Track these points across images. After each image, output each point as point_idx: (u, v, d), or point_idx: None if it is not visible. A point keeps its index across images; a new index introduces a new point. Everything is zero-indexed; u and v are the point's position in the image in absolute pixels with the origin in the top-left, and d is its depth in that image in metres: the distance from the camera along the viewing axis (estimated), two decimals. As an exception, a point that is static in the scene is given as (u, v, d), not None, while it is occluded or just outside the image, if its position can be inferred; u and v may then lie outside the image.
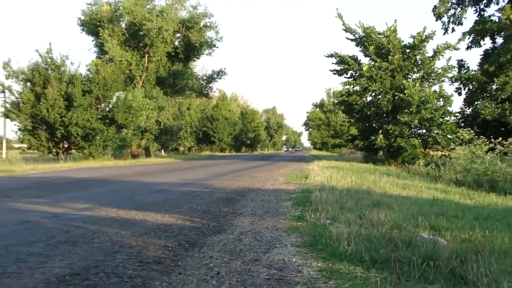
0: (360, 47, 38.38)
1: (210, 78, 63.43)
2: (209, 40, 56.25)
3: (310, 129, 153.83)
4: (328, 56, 39.12)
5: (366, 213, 8.84)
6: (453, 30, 43.53)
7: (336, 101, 47.00)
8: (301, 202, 10.69)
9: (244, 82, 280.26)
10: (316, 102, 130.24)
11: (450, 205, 11.25)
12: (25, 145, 41.62)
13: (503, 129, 36.45)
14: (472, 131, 30.97)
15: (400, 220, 8.30)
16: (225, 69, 62.57)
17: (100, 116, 40.36)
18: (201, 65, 63.00)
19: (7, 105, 39.93)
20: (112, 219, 8.70)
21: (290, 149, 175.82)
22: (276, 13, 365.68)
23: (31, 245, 6.74)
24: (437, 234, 7.26)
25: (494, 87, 38.20)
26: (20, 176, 22.55)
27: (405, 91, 34.25)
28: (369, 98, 38.12)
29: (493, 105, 36.78)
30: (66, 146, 40.00)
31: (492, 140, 25.39)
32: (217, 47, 57.15)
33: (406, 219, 8.44)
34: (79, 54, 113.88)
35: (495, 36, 41.45)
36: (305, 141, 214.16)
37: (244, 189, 14.60)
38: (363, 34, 37.49)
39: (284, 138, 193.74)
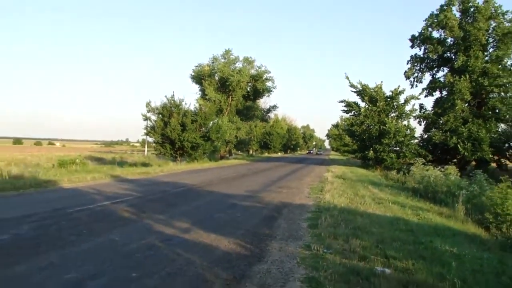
0: (359, 96, 39.72)
1: (268, 110, 64.34)
2: (268, 88, 56.85)
3: (330, 139, 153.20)
4: (340, 102, 40.53)
5: (349, 239, 8.20)
6: (416, 86, 45.43)
7: (345, 124, 47.45)
8: (313, 225, 9.91)
9: (290, 106, 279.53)
10: (334, 123, 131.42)
11: (404, 225, 10.58)
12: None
13: (445, 147, 38.10)
14: (425, 150, 34.13)
15: (371, 247, 7.78)
16: (277, 104, 64.29)
17: (201, 135, 41.02)
18: (263, 101, 63.23)
19: (148, 128, 41.25)
20: (196, 243, 8.08)
21: (312, 151, 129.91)
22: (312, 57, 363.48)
23: (149, 277, 6.11)
24: (388, 262, 6.78)
25: (440, 122, 39.79)
26: (152, 180, 21.98)
27: (386, 125, 36.39)
28: (364, 128, 38.71)
29: (440, 133, 38.77)
30: (180, 153, 40.92)
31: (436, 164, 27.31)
32: (273, 92, 57.88)
33: (373, 246, 7.85)
34: (189, 96, 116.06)
35: (442, 91, 42.96)
36: (327, 145, 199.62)
37: (281, 205, 13.74)
38: (361, 88, 38.66)
39: (314, 143, 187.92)
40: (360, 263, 6.73)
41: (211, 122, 44.12)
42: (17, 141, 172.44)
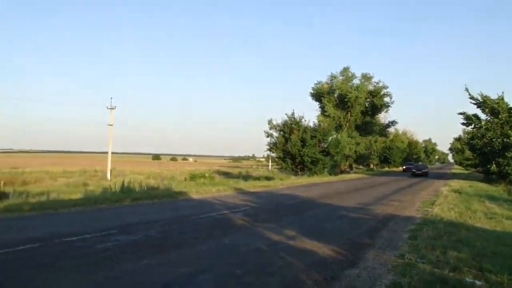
0: (480, 108, 37.02)
1: (387, 125, 62.78)
2: (385, 103, 55.69)
3: (453, 152, 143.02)
4: (459, 114, 38.09)
5: (447, 251, 8.02)
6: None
7: (467, 137, 45.02)
8: (413, 236, 9.79)
9: (411, 120, 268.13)
10: (456, 136, 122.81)
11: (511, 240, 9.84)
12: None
13: None
14: None
15: (467, 259, 7.51)
16: (396, 119, 62.54)
17: (321, 150, 41.45)
18: (383, 116, 61.97)
19: (270, 144, 42.66)
20: (298, 249, 8.52)
21: (411, 167, 60.55)
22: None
23: (251, 274, 6.66)
24: (481, 275, 6.54)
25: None
26: (271, 192, 22.80)
27: (511, 137, 33.12)
28: (486, 141, 35.99)
29: None
30: (301, 167, 41.63)
31: None
32: (391, 107, 56.59)
33: (469, 259, 7.57)
34: (308, 113, 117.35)
35: None
36: (450, 158, 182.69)
37: (388, 217, 13.72)
38: (481, 100, 36.02)
39: (436, 157, 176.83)
40: (450, 273, 6.66)
41: (330, 138, 44.38)
42: (156, 157, 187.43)
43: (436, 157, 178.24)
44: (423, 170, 51.54)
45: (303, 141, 40.11)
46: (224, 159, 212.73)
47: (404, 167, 67.49)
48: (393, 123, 62.36)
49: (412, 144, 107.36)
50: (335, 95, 54.80)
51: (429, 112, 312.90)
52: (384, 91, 55.26)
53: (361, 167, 73.83)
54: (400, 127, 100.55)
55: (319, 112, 55.82)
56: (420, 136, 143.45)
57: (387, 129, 64.63)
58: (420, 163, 70.11)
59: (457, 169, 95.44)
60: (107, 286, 5.84)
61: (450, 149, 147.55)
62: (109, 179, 37.90)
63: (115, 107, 42.04)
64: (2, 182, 28.96)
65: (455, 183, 32.10)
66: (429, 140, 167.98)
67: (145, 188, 20.42)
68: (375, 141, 65.97)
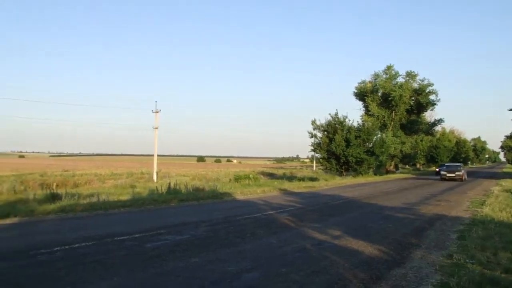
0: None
1: (433, 124, 61.09)
2: (431, 101, 54.20)
3: (504, 151, 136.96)
4: (510, 110, 36.55)
5: (498, 252, 7.78)
6: None
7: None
8: (462, 236, 9.56)
9: (459, 119, 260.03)
10: (507, 134, 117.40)
11: None
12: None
13: None
14: None
15: None
16: (442, 118, 60.56)
17: (365, 150, 40.88)
18: (429, 115, 60.47)
19: (314, 145, 42.47)
20: (343, 248, 8.53)
21: (445, 169, 39.60)
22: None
23: (296, 273, 6.64)
24: None
25: None
26: (316, 193, 22.85)
27: None
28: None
29: None
30: (346, 167, 41.23)
31: None
32: (437, 105, 55.02)
33: None
34: (352, 113, 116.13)
35: None
36: (502, 157, 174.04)
37: (435, 217, 13.40)
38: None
39: (486, 156, 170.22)
40: (502, 274, 6.47)
41: (375, 137, 43.74)
42: (200, 159, 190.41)
43: (487, 155, 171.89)
44: (457, 173, 37.38)
45: (347, 141, 39.70)
46: (268, 161, 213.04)
47: (437, 170, 48.84)
48: (439, 121, 60.53)
49: (460, 143, 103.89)
50: (379, 94, 53.93)
51: (477, 110, 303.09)
52: (429, 88, 53.67)
53: (407, 167, 72.46)
54: (447, 126, 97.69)
55: (363, 112, 55.09)
56: (468, 135, 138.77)
57: (434, 128, 62.75)
58: (452, 163, 50.40)
59: (510, 168, 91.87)
60: (158, 282, 6.03)
61: (502, 147, 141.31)
62: (155, 181, 38.73)
63: (160, 110, 42.85)
64: (54, 184, 30.26)
65: (507, 183, 30.90)
66: (478, 138, 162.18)
67: (191, 189, 20.80)
68: (421, 140, 64.44)
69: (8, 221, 11.42)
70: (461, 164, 43.23)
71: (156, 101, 43.39)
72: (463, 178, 37.58)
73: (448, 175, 37.64)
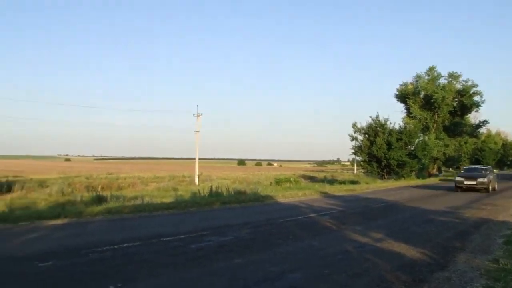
0: None
1: (478, 126, 59.22)
2: (475, 102, 52.73)
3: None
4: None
5: None
6: None
7: None
8: (509, 241, 9.30)
9: (507, 120, 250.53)
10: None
11: None
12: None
13: None
14: None
15: None
16: (488, 119, 58.54)
17: (407, 153, 40.24)
18: (473, 116, 58.77)
19: (355, 148, 42.13)
20: (385, 251, 8.54)
21: (461, 174, 28.78)
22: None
23: (338, 275, 6.73)
24: None
25: None
26: (357, 196, 22.71)
27: None
28: None
29: None
30: (387, 171, 40.67)
31: None
32: (481, 106, 53.46)
33: None
34: (393, 116, 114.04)
35: None
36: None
37: (480, 221, 13.05)
38: None
39: None
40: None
41: (417, 140, 42.97)
42: (241, 162, 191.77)
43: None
44: (479, 180, 26.09)
45: (388, 144, 39.20)
46: (309, 164, 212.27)
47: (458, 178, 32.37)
48: (484, 123, 58.40)
49: (507, 145, 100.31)
50: (421, 96, 52.90)
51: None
52: (473, 89, 52.21)
53: (450, 170, 70.46)
54: (493, 127, 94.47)
55: (405, 114, 54.21)
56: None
57: (478, 130, 60.92)
58: (475, 165, 41.46)
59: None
60: (203, 281, 6.23)
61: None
62: (197, 184, 39.34)
63: (201, 114, 43.48)
64: (100, 187, 31.31)
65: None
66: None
67: (232, 192, 21.04)
68: (465, 143, 62.68)
69: (59, 221, 11.92)
70: (488, 167, 31.69)
71: (197, 105, 44.02)
72: (490, 187, 26.11)
73: (466, 182, 26.13)
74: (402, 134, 40.42)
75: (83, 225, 11.57)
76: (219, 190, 20.89)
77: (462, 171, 31.27)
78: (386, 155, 38.88)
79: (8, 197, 25.37)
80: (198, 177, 42.89)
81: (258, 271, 6.73)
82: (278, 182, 30.82)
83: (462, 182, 26.31)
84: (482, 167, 32.10)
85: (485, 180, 25.89)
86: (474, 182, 25.76)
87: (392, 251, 8.39)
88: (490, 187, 25.91)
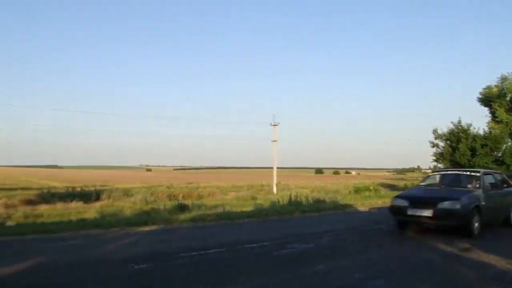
0: None
1: None
2: None
3: None
4: None
5: None
6: None
7: None
8: None
9: None
10: None
11: None
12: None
13: None
14: None
15: None
16: None
17: (493, 160, 38.14)
18: None
19: (437, 155, 40.59)
20: (472, 261, 8.38)
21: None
22: None
23: (425, 282, 6.74)
24: None
25: None
26: None
27: None
28: None
29: None
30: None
31: None
32: None
33: None
34: (476, 120, 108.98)
35: None
36: None
37: None
38: None
39: None
40: None
41: (504, 145, 40.58)
42: (318, 171, 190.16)
43: None
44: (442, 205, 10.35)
45: (472, 150, 37.26)
46: (388, 172, 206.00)
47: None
48: None
49: None
50: (507, 99, 49.72)
51: None
52: None
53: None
54: None
55: (489, 118, 51.25)
56: None
57: None
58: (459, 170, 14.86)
59: None
60: (287, 287, 6.44)
61: None
62: (275, 192, 39.60)
63: (278, 123, 43.77)
64: (181, 195, 32.49)
65: None
66: None
67: (311, 201, 21.07)
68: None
69: (147, 228, 12.66)
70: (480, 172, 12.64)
71: (273, 115, 44.56)
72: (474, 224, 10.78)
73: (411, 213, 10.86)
74: (487, 140, 38.24)
75: (169, 232, 12.25)
76: (298, 199, 21.03)
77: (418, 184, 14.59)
78: (470, 162, 36.94)
79: (97, 204, 27.21)
80: (276, 186, 43.18)
81: (342, 277, 6.87)
82: (357, 190, 30.37)
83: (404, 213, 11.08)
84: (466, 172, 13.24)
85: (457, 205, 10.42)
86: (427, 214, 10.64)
87: (481, 262, 8.10)
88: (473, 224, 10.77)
